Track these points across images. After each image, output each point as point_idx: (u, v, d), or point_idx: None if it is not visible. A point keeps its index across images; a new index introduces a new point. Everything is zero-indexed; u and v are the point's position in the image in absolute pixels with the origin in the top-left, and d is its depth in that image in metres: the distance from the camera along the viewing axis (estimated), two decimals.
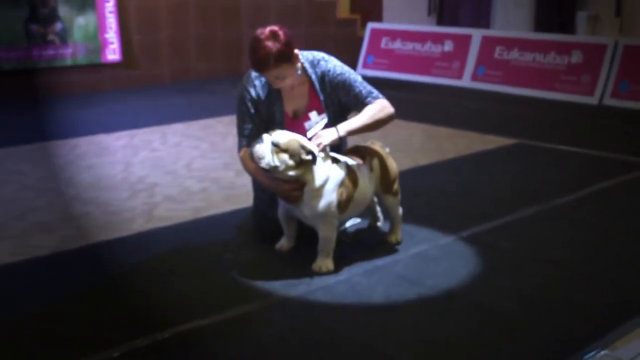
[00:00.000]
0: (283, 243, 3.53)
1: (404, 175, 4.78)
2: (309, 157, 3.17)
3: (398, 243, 3.63)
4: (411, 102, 7.95)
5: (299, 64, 3.36)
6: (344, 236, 3.70)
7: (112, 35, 8.91)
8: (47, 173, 5.10)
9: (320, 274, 3.30)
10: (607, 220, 4.04)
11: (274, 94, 3.45)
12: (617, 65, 7.71)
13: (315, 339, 2.73)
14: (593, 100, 7.77)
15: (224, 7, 9.80)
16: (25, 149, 5.79)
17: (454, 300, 3.05)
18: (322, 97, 3.45)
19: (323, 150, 3.26)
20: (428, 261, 3.45)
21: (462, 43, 9.06)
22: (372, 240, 3.75)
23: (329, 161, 3.29)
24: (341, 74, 3.43)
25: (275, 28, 3.25)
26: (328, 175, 3.24)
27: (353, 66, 10.06)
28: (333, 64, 3.45)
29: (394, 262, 3.44)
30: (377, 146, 3.61)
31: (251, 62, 3.28)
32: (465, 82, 8.89)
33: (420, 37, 9.51)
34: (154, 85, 9.18)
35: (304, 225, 3.41)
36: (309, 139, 3.27)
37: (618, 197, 4.50)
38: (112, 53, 8.96)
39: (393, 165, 3.60)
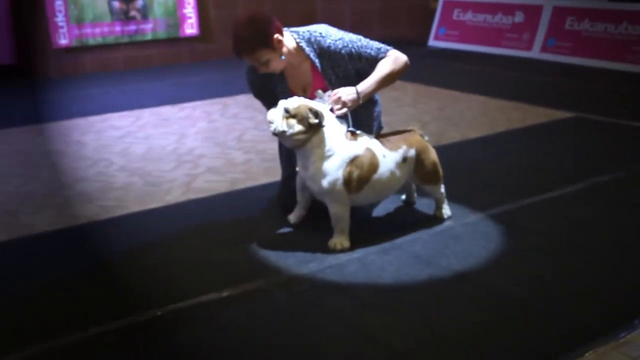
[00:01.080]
0: (293, 214, 3.34)
1: (448, 149, 4.50)
2: (316, 120, 2.96)
3: (448, 218, 3.41)
4: (476, 74, 7.53)
5: (284, 49, 3.13)
6: (363, 212, 3.45)
7: (190, 10, 8.85)
8: (104, 144, 5.08)
9: (335, 251, 3.09)
10: None
11: (276, 75, 3.28)
12: None
13: (313, 322, 2.53)
14: None
15: None
16: (92, 121, 5.80)
17: (464, 283, 2.77)
18: (325, 75, 3.21)
19: (343, 107, 3.06)
20: (449, 240, 3.18)
21: (533, 14, 8.49)
22: (400, 217, 3.50)
23: (343, 135, 3.06)
24: (344, 47, 3.18)
25: (255, 13, 3.08)
26: (335, 150, 3.01)
27: (425, 38, 9.67)
28: (332, 39, 3.19)
29: (413, 241, 3.18)
30: (416, 135, 3.32)
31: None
32: (535, 53, 8.35)
33: (491, 9, 8.99)
34: (229, 58, 9.06)
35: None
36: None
37: None
38: (190, 27, 8.90)
39: (432, 156, 3.31)
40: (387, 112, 5.63)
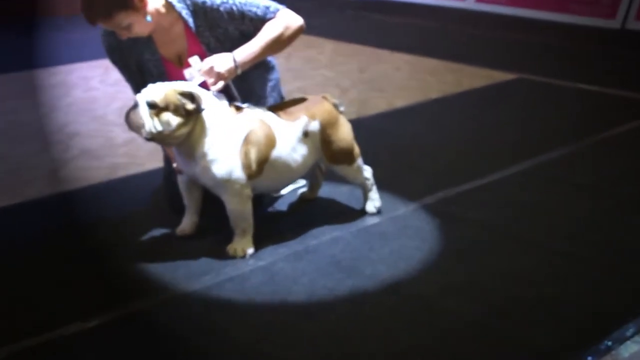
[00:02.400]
0: (183, 226, 2.99)
1: (372, 120, 4.25)
2: (193, 105, 2.64)
3: (376, 212, 3.14)
4: (402, 28, 7.32)
5: (149, 8, 2.77)
6: (270, 208, 3.17)
7: None
8: None
9: (235, 258, 2.79)
10: (604, 181, 3.48)
11: (142, 39, 2.91)
12: None
13: (204, 351, 2.23)
14: (614, 24, 7.07)
15: None
16: None
17: (393, 296, 2.52)
18: (202, 38, 2.89)
19: (219, 79, 2.74)
20: (374, 240, 2.92)
21: None
22: (312, 212, 3.22)
23: (226, 112, 2.75)
24: (223, 3, 2.85)
25: None
26: (223, 131, 2.70)
27: None
28: None
29: (332, 242, 2.92)
30: (325, 103, 3.02)
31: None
32: (469, 3, 8.20)
33: None
34: None
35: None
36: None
37: (622, 149, 3.93)
38: None
39: (344, 130, 3.01)
40: (300, 76, 5.36)
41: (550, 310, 2.42)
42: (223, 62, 2.76)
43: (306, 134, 2.89)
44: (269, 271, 2.70)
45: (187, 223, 3.00)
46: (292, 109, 2.92)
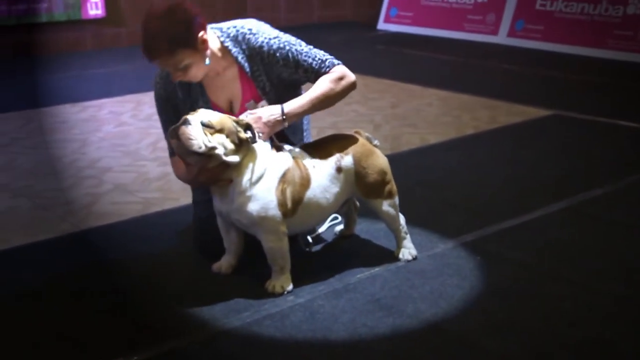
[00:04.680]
0: (222, 263, 3.04)
1: (406, 156, 4.30)
2: (248, 134, 2.71)
3: (413, 259, 3.11)
4: (434, 63, 7.39)
5: (208, 51, 2.81)
6: (305, 245, 3.21)
7: None
8: None
9: (274, 295, 2.83)
10: None
11: (194, 87, 2.96)
12: None
13: None
14: None
15: None
16: None
17: (435, 335, 2.55)
18: (257, 82, 2.95)
19: (264, 130, 2.79)
20: (414, 278, 2.95)
21: None
22: (347, 249, 3.26)
23: (268, 147, 2.82)
24: (280, 48, 2.87)
25: (175, 3, 2.72)
26: (265, 167, 2.76)
27: (373, 20, 9.50)
28: (265, 37, 2.88)
29: (371, 280, 2.95)
30: (360, 138, 3.08)
31: (141, 48, 2.76)
32: (501, 38, 8.28)
33: None
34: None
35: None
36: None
37: None
38: (94, 8, 8.52)
39: (379, 163, 3.04)
40: (332, 112, 5.40)
41: (598, 355, 2.43)
42: (271, 113, 2.79)
43: (339, 170, 2.94)
44: (309, 309, 2.74)
45: (224, 263, 3.04)
46: (325, 147, 2.97)
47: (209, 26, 2.89)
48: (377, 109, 5.61)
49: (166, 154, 4.58)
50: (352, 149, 2.99)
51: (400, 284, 2.91)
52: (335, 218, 3.45)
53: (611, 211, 3.61)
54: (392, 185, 3.08)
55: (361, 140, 3.06)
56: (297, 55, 2.87)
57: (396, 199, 3.09)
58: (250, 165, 2.75)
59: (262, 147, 2.79)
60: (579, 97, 5.89)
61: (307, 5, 9.78)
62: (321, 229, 3.37)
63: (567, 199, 3.75)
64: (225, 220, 2.90)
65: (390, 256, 3.13)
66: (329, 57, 2.91)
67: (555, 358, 2.40)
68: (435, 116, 5.40)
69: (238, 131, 2.71)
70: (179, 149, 2.68)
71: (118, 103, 5.99)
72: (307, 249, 3.20)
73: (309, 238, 3.23)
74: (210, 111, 2.74)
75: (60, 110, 5.82)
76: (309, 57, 2.88)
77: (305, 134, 3.20)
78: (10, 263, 3.22)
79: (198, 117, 2.67)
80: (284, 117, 2.80)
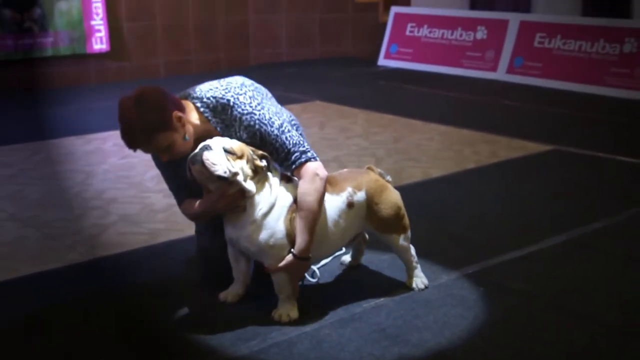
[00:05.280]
0: (229, 291, 3.08)
1: (408, 190, 4.34)
2: (264, 162, 2.79)
3: (425, 288, 3.16)
4: (434, 99, 7.48)
5: (188, 127, 2.83)
6: (311, 275, 3.25)
7: (98, 22, 8.56)
8: None
9: (281, 323, 2.86)
10: None
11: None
12: None
13: None
14: None
15: None
16: None
17: None
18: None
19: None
20: (419, 308, 2.99)
21: (497, 29, 8.54)
22: (353, 279, 3.30)
23: (278, 178, 2.89)
24: (249, 125, 2.86)
25: (142, 90, 2.76)
26: (275, 196, 2.83)
27: (374, 56, 9.61)
28: (240, 110, 2.87)
29: (376, 310, 2.99)
30: (372, 174, 3.14)
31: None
32: (500, 75, 8.38)
33: (450, 23, 9.02)
34: (147, 78, 8.82)
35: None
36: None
37: None
38: (99, 42, 8.61)
39: (392, 199, 3.09)
40: (335, 145, 5.49)
41: None
42: (301, 270, 2.88)
43: (351, 205, 2.99)
44: (315, 337, 2.77)
45: (232, 292, 3.08)
46: (338, 182, 3.03)
47: (188, 98, 2.92)
48: (379, 143, 5.68)
49: None
50: (365, 185, 3.04)
51: (405, 313, 2.95)
52: (339, 250, 3.50)
53: (612, 244, 3.66)
54: (405, 220, 3.13)
55: (374, 176, 3.12)
56: (265, 135, 2.86)
57: (409, 233, 3.14)
58: (263, 193, 2.81)
59: (273, 177, 2.85)
60: (578, 132, 5.96)
61: (308, 41, 9.90)
62: (325, 260, 3.41)
63: (567, 231, 3.79)
64: (236, 248, 2.95)
65: (395, 286, 3.18)
66: (297, 148, 2.87)
67: None
68: (437, 150, 5.47)
69: (255, 159, 2.78)
70: (201, 175, 2.74)
71: None
72: (314, 279, 3.24)
73: (315, 268, 3.28)
74: (226, 138, 2.80)
75: (66, 142, 5.88)
76: (277, 142, 2.86)
77: None
78: (19, 291, 3.26)
79: (219, 143, 2.74)
80: (303, 258, 2.84)
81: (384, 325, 2.86)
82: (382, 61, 9.52)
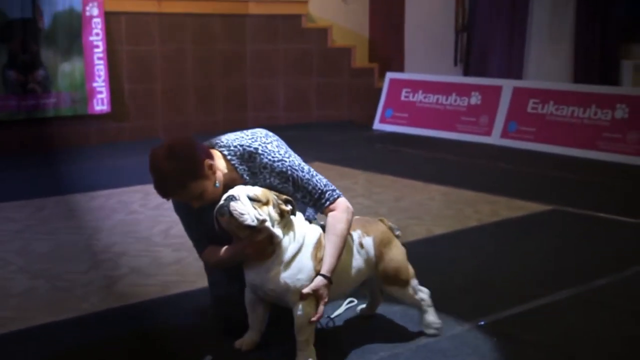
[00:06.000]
0: (244, 339, 3.10)
1: (414, 246, 4.40)
2: (289, 206, 2.87)
3: (436, 330, 3.22)
4: (432, 162, 7.60)
5: (218, 174, 2.94)
6: (327, 323, 3.30)
7: (100, 83, 8.70)
8: None
9: None
10: None
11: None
12: None
13: None
14: None
15: (226, 54, 9.61)
16: None
17: None
18: None
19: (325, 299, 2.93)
20: (434, 357, 3.04)
21: (491, 95, 8.74)
22: (367, 328, 3.34)
23: (302, 218, 2.98)
24: (282, 172, 2.97)
25: (174, 141, 2.88)
26: (302, 238, 2.90)
27: (369, 120, 9.77)
28: (269, 158, 2.97)
29: (393, 357, 3.03)
30: (382, 225, 3.23)
31: (154, 188, 2.91)
32: (495, 139, 8.54)
33: (444, 89, 9.22)
34: (146, 139, 8.92)
35: (276, 311, 3.03)
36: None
37: None
38: (100, 103, 8.73)
39: (396, 253, 3.18)
40: None
41: None
42: (325, 289, 2.89)
43: (361, 245, 3.07)
44: None
45: (247, 339, 3.10)
46: (352, 226, 3.10)
47: (215, 144, 3.03)
48: (381, 202, 5.76)
49: (180, 240, 4.70)
50: (373, 232, 3.13)
51: None
52: (352, 301, 3.55)
53: (616, 299, 3.72)
54: (408, 273, 3.19)
55: (382, 227, 3.20)
56: (297, 180, 2.98)
57: (413, 282, 3.20)
58: (289, 236, 2.87)
59: (297, 218, 2.92)
60: (575, 194, 6.07)
61: (305, 105, 10.07)
62: (338, 312, 3.45)
63: (572, 287, 3.85)
64: (256, 293, 2.98)
65: (410, 336, 3.22)
66: (328, 187, 3.02)
67: None
68: (439, 209, 5.56)
69: (280, 203, 2.85)
70: (230, 225, 2.81)
71: (126, 193, 6.11)
72: (329, 325, 3.28)
73: (332, 316, 3.33)
74: (248, 186, 2.87)
75: (70, 199, 5.93)
76: (309, 184, 2.99)
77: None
78: (32, 340, 3.28)
79: (243, 192, 2.81)
80: (329, 279, 2.89)
81: None
82: (377, 125, 9.68)
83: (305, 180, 2.99)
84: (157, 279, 4.05)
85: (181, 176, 2.82)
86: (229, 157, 3.00)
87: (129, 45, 8.95)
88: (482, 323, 3.37)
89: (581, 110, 7.96)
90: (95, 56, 8.64)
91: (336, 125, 9.88)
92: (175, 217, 5.12)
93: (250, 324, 3.11)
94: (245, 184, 2.99)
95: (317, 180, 3.02)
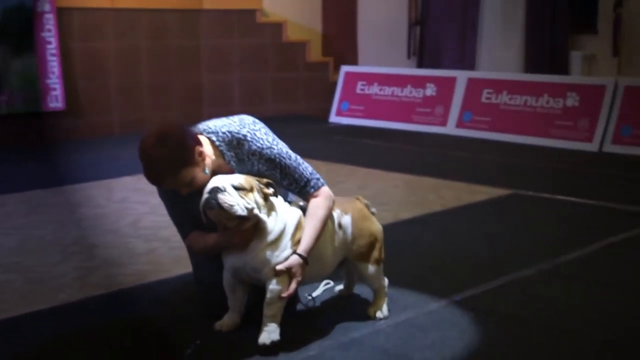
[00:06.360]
0: (224, 321, 3.14)
1: (383, 231, 4.49)
2: (271, 189, 2.93)
3: (383, 318, 3.25)
4: (391, 151, 7.71)
5: (207, 160, 2.98)
6: (306, 302, 3.36)
7: (54, 80, 8.60)
8: None
9: (264, 346, 2.89)
10: (621, 279, 3.75)
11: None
12: (618, 108, 7.55)
13: None
14: (592, 147, 7.58)
15: (181, 50, 9.58)
16: None
17: None
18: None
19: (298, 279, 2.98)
20: (415, 331, 3.12)
21: (446, 86, 8.89)
22: (346, 307, 3.41)
23: (282, 200, 3.04)
24: (270, 159, 3.03)
25: (164, 128, 2.91)
26: (284, 220, 2.97)
27: (325, 114, 9.85)
28: (258, 145, 3.02)
29: (374, 334, 3.10)
30: (359, 203, 3.30)
31: (144, 175, 2.92)
32: (450, 129, 8.69)
33: (400, 81, 9.34)
34: (102, 136, 8.87)
35: (256, 294, 3.09)
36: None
37: (629, 252, 4.22)
38: (55, 101, 8.63)
39: (373, 229, 3.27)
40: None
41: None
42: (299, 268, 2.93)
43: (340, 226, 3.13)
44: (322, 359, 2.86)
45: (228, 321, 3.14)
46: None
47: (203, 133, 3.06)
48: (345, 191, 5.82)
49: (150, 232, 4.71)
50: (351, 210, 3.20)
51: (403, 336, 3.07)
52: (328, 283, 3.61)
53: (583, 272, 3.86)
54: (381, 252, 3.28)
55: (359, 205, 3.28)
56: (285, 168, 3.03)
57: (382, 265, 3.28)
58: (271, 218, 2.92)
59: (277, 201, 2.97)
60: (532, 179, 6.23)
61: (260, 99, 10.10)
62: (316, 293, 3.51)
63: (540, 263, 3.98)
64: (237, 276, 3.02)
65: (389, 314, 3.29)
66: (313, 176, 3.08)
67: None
68: (403, 196, 5.66)
69: (262, 188, 2.89)
70: (219, 217, 2.84)
71: (89, 188, 6.07)
72: (310, 304, 3.34)
73: (312, 296, 3.39)
74: (229, 175, 2.90)
75: (31, 195, 5.87)
76: (296, 172, 3.04)
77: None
78: (8, 332, 3.26)
79: (227, 182, 2.83)
80: (305, 259, 2.94)
81: (385, 347, 2.97)
82: (333, 118, 9.77)
83: (292, 168, 3.04)
84: (131, 268, 4.05)
85: (172, 164, 2.84)
86: (217, 144, 3.03)
87: (83, 42, 8.86)
88: (458, 299, 3.46)
89: (534, 99, 8.15)
90: (48, 53, 8.54)
91: (292, 118, 9.93)
92: (143, 210, 5.16)
93: (230, 306, 3.14)
94: (232, 170, 3.03)
95: (303, 169, 3.07)
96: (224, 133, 3.04)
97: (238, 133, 3.03)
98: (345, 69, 9.97)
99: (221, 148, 3.03)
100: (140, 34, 9.26)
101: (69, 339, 3.15)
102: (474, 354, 2.91)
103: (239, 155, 3.04)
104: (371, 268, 3.24)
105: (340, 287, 3.55)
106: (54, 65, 8.58)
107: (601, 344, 3.00)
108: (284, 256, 2.93)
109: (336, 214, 3.15)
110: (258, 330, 3.01)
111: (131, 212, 5.22)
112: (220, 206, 2.80)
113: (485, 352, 2.93)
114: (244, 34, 9.96)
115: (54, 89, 8.62)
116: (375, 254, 3.24)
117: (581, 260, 4.07)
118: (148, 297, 3.66)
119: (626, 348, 2.97)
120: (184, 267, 3.95)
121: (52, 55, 8.56)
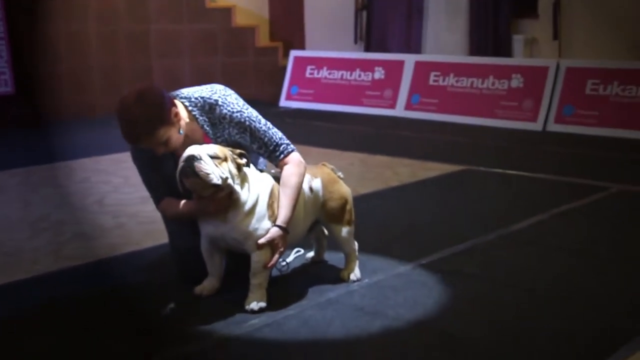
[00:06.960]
0: (204, 286, 3.26)
1: None
2: (244, 159, 3.04)
3: (356, 280, 3.41)
4: (343, 133, 7.87)
5: (182, 122, 3.09)
6: (281, 267, 3.51)
7: (3, 65, 8.52)
8: None
9: (252, 312, 3.05)
10: (573, 243, 3.99)
11: (165, 155, 3.19)
12: (560, 89, 7.85)
13: None
14: (537, 126, 7.87)
15: (130, 35, 9.57)
16: None
17: (423, 331, 2.89)
18: (217, 143, 3.18)
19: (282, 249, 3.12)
20: (387, 291, 3.29)
21: (394, 70, 9.09)
22: (319, 272, 3.56)
23: (254, 170, 3.16)
24: (240, 122, 3.16)
25: (143, 88, 3.02)
26: (258, 187, 3.09)
27: (275, 98, 9.96)
28: (229, 109, 3.16)
29: (349, 294, 3.26)
30: (326, 168, 3.46)
31: (121, 134, 3.01)
32: (399, 111, 8.89)
33: (348, 65, 9.50)
34: (52, 121, 8.81)
35: (234, 259, 3.21)
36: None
37: (579, 219, 4.47)
38: (4, 85, 8.55)
39: (342, 191, 3.43)
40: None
41: (548, 335, 2.84)
42: (280, 239, 3.06)
43: (311, 190, 3.29)
44: (301, 318, 3.01)
45: (208, 286, 3.26)
46: None
47: (177, 98, 3.18)
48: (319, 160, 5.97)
49: (117, 208, 4.78)
50: (320, 175, 3.36)
51: (377, 296, 3.24)
52: (299, 250, 3.76)
53: (540, 237, 4.08)
54: (352, 214, 3.44)
55: (327, 170, 3.44)
56: (255, 131, 3.16)
57: (353, 227, 3.44)
58: (245, 188, 3.03)
59: (250, 170, 3.09)
60: (481, 156, 6.46)
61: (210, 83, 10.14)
62: (289, 259, 3.66)
63: (498, 230, 4.19)
64: (215, 243, 3.14)
65: (362, 277, 3.45)
66: (283, 141, 3.21)
67: (521, 339, 2.79)
68: (360, 173, 5.82)
69: (235, 158, 3.01)
70: (196, 185, 2.94)
71: (48, 170, 6.08)
72: (284, 269, 3.49)
73: (287, 261, 3.53)
74: (203, 145, 3.01)
75: None
76: (266, 136, 3.17)
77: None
78: None
79: (203, 151, 2.94)
80: (286, 229, 3.08)
81: (360, 305, 3.13)
82: (283, 102, 9.88)
83: (262, 132, 3.17)
84: (102, 241, 4.14)
85: (149, 121, 2.95)
86: (190, 108, 3.15)
87: (32, 26, 8.78)
88: (424, 262, 3.65)
89: (480, 81, 8.41)
90: None
91: None
92: (106, 189, 5.21)
93: (209, 271, 3.26)
94: (205, 134, 3.14)
95: (272, 133, 3.20)
96: (196, 98, 3.17)
97: (210, 98, 3.17)
98: (294, 53, 10.08)
99: (194, 112, 3.15)
100: (89, 17, 9.21)
101: (50, 306, 3.23)
102: (443, 310, 3.09)
103: (211, 119, 3.16)
104: (344, 230, 3.39)
105: (311, 254, 3.70)
106: (2, 49, 8.51)
107: (552, 299, 3.22)
108: (264, 227, 3.05)
109: (307, 178, 3.28)
110: (238, 294, 3.14)
111: (95, 191, 5.27)
112: (196, 174, 2.90)
113: (453, 307, 3.12)
114: (193, 19, 9.98)
115: (4, 73, 8.55)
116: (347, 215, 3.40)
117: (534, 227, 4.29)
118: (123, 267, 3.75)
119: (571, 301, 3.20)
120: (155, 239, 4.08)
121: (1, 39, 8.49)
